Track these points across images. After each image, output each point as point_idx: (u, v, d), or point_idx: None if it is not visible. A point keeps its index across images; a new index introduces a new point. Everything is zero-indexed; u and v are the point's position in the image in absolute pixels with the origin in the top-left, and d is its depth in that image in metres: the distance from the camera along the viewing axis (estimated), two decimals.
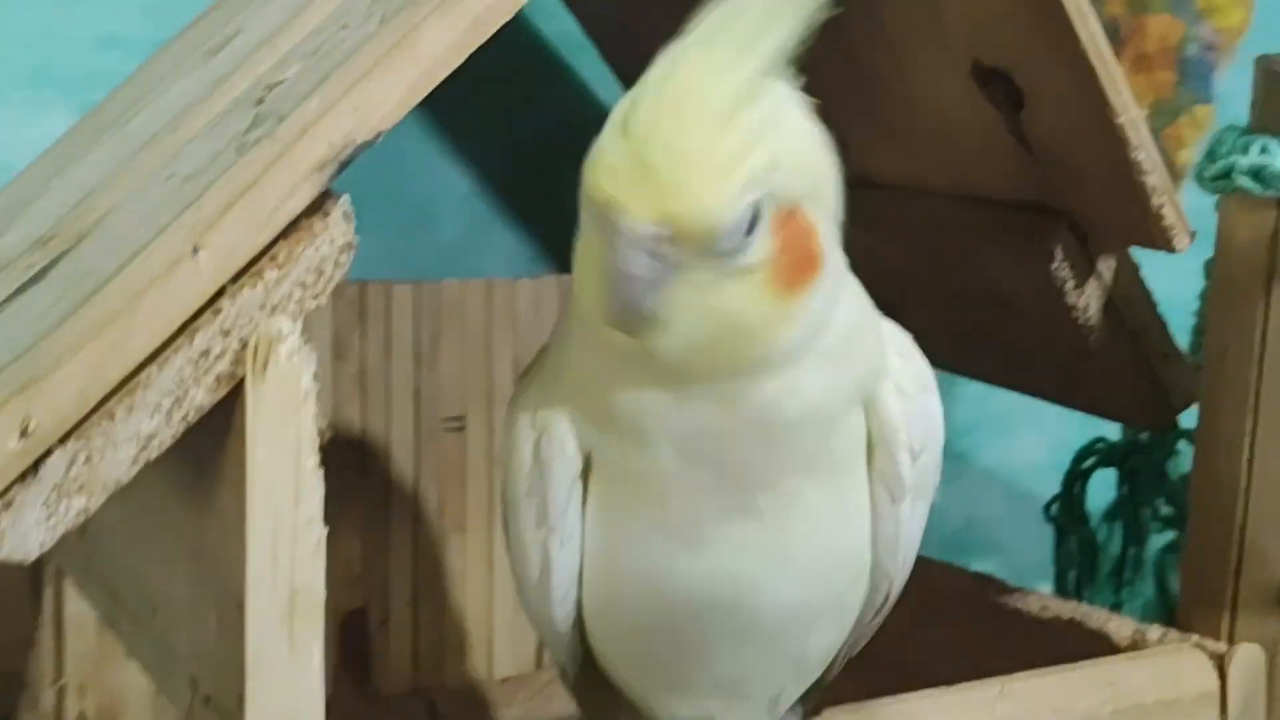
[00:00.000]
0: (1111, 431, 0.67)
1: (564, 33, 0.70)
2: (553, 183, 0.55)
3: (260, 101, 0.38)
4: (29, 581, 0.59)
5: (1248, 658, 0.48)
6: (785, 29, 0.33)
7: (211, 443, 0.35)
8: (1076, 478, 0.67)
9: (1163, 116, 0.88)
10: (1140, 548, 0.68)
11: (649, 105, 0.32)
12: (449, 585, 0.66)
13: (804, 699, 0.42)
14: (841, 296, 0.36)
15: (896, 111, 0.55)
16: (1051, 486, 0.70)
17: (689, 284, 0.33)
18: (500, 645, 0.69)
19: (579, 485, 0.37)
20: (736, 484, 0.36)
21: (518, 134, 0.70)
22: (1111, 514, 0.69)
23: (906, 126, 0.55)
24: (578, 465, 0.37)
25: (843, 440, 0.38)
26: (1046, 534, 0.69)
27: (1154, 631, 0.51)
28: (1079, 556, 0.68)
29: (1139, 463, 0.66)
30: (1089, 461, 0.67)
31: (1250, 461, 0.49)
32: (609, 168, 0.32)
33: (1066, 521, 0.68)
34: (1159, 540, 0.69)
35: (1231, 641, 0.49)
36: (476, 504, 0.66)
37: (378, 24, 0.37)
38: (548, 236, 0.73)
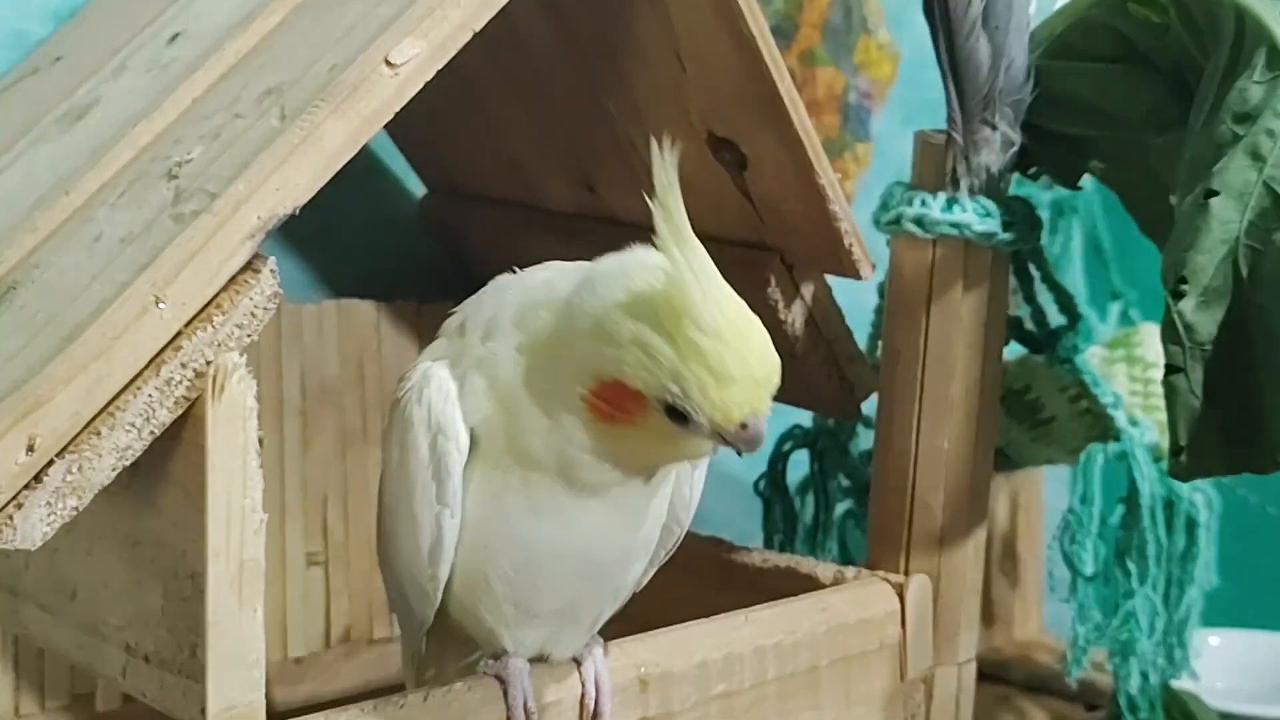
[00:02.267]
0: (805, 420, 0.81)
1: None
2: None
3: (174, 176, 0.47)
4: None
5: (919, 585, 0.63)
6: None
7: (153, 452, 0.44)
8: (779, 458, 0.81)
9: (830, 153, 1.04)
10: (829, 514, 0.83)
11: (733, 354, 0.44)
12: None
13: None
14: None
15: (642, 167, 0.67)
16: (751, 471, 0.84)
17: None
18: (293, 626, 0.78)
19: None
20: (604, 484, 0.48)
21: None
22: (804, 488, 0.84)
23: (649, 179, 0.68)
24: (466, 456, 0.48)
25: None
26: (752, 509, 0.83)
27: (850, 571, 0.65)
28: (782, 523, 0.81)
29: (827, 444, 0.81)
30: (788, 445, 0.81)
31: (917, 438, 0.64)
32: (739, 403, 0.45)
33: (772, 494, 0.81)
34: (841, 509, 0.85)
35: (907, 574, 0.64)
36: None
37: (279, 119, 0.46)
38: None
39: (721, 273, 0.68)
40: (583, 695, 0.52)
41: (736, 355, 0.44)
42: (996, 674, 1.03)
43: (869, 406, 0.73)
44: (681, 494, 0.52)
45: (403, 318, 0.81)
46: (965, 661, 0.66)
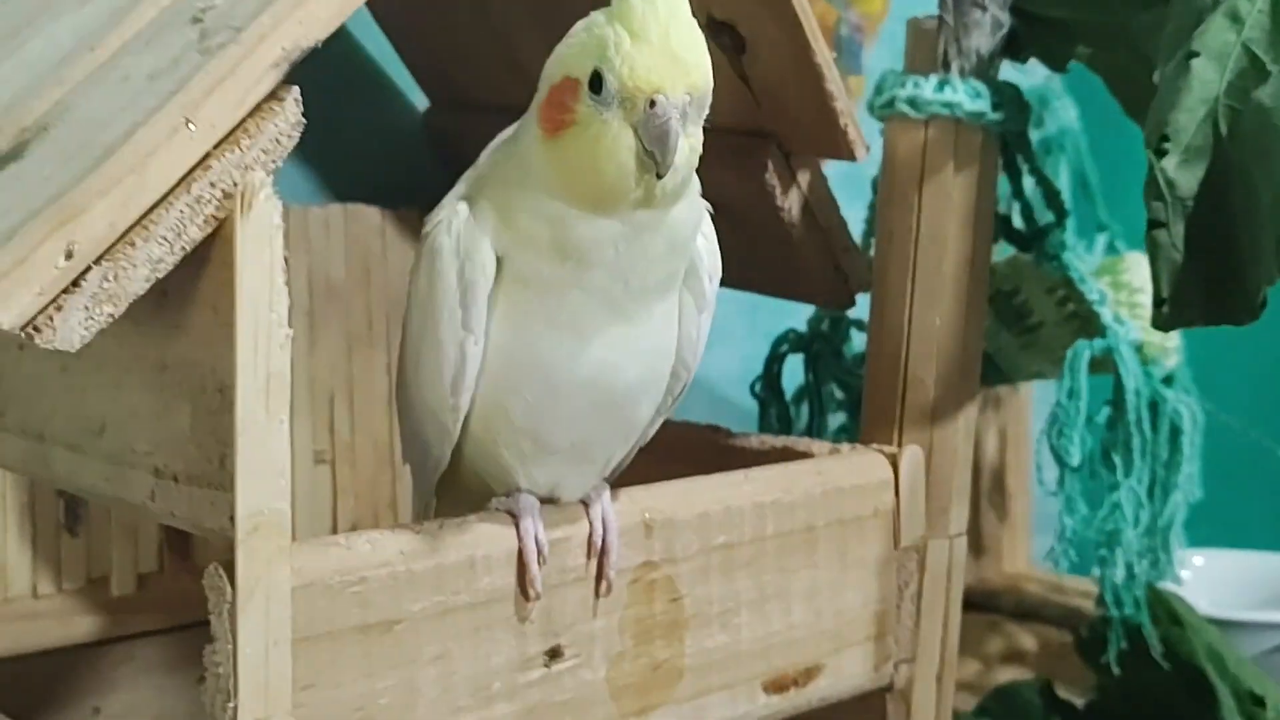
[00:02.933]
0: (800, 325, 0.83)
1: None
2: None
3: (198, 20, 0.49)
4: None
5: (912, 455, 0.65)
6: None
7: (181, 276, 0.46)
8: (774, 360, 0.83)
9: None
10: (823, 418, 0.85)
11: (658, 20, 0.47)
12: None
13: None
14: None
15: None
16: (742, 391, 0.86)
17: (687, 136, 0.48)
18: (300, 523, 0.79)
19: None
20: (626, 293, 0.50)
21: None
22: (798, 397, 0.86)
23: None
24: (492, 282, 0.50)
25: (686, 258, 0.53)
26: (749, 423, 0.85)
27: (844, 447, 0.67)
28: (778, 425, 0.84)
29: (821, 347, 0.83)
30: (783, 347, 0.83)
31: (910, 315, 0.67)
32: (646, 70, 0.47)
33: (768, 397, 0.84)
34: (835, 423, 0.87)
35: (900, 445, 0.66)
36: None
37: None
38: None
39: (718, 160, 0.70)
40: (590, 532, 0.54)
41: (660, 25, 0.47)
42: (986, 603, 1.05)
43: (862, 309, 0.75)
44: (688, 334, 0.54)
45: (407, 224, 0.83)
46: (956, 535, 0.68)
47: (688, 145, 0.49)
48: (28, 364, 0.55)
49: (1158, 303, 0.56)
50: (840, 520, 0.63)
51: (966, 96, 0.64)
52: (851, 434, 0.84)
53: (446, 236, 0.51)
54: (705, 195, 0.70)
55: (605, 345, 0.51)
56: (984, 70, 0.65)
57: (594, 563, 0.54)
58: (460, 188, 0.53)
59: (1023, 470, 1.18)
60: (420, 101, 0.87)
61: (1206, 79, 0.55)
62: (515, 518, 0.52)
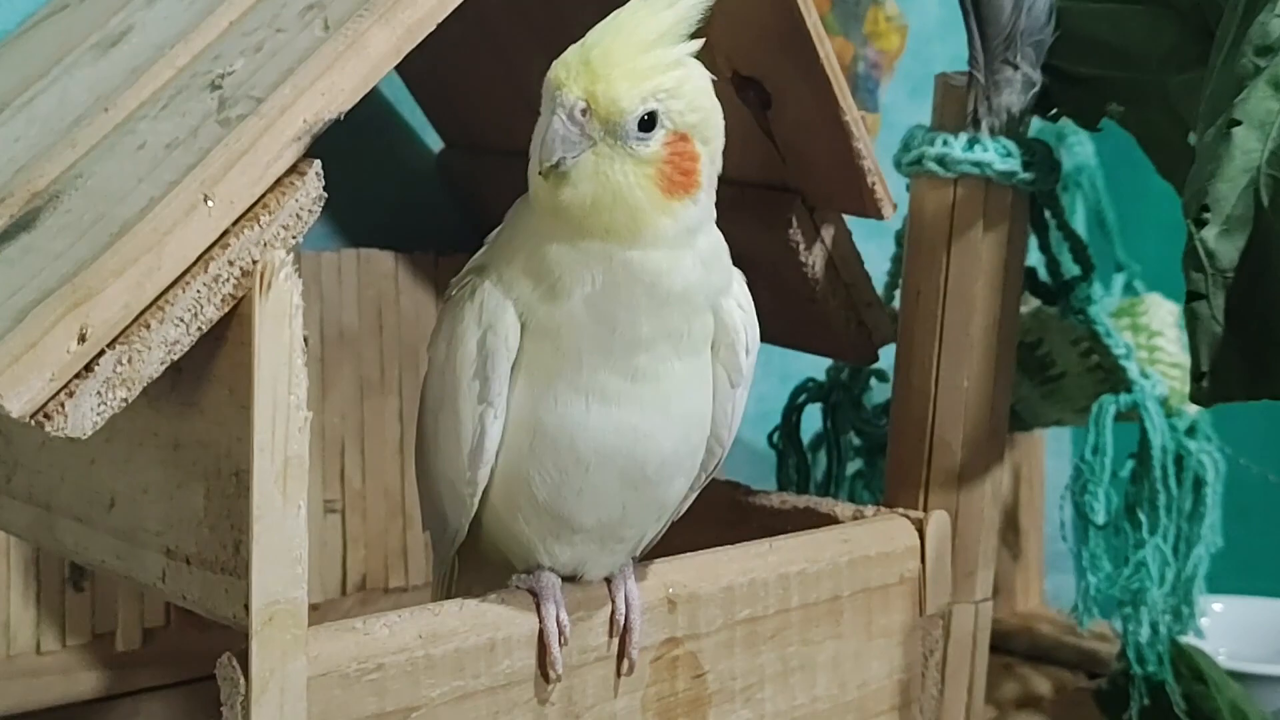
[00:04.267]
0: (819, 374, 0.82)
1: None
2: None
3: (217, 87, 0.48)
4: None
5: (938, 520, 0.64)
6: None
7: (197, 354, 0.45)
8: (793, 410, 0.82)
9: None
10: (841, 468, 0.84)
11: (601, 30, 0.46)
12: None
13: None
14: (709, 225, 0.50)
15: None
16: (757, 433, 0.85)
17: (596, 155, 0.47)
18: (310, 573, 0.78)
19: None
20: (627, 343, 0.49)
21: None
22: (816, 443, 0.85)
23: None
24: (514, 352, 0.49)
25: (700, 329, 0.51)
26: (765, 467, 0.84)
27: (869, 510, 0.66)
28: (796, 475, 0.83)
29: (841, 397, 0.82)
30: (802, 397, 0.82)
31: (937, 376, 0.65)
32: (562, 63, 0.46)
33: (786, 447, 0.82)
34: (852, 468, 0.85)
35: (926, 510, 0.65)
36: None
37: (323, 29, 0.47)
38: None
39: (743, 214, 0.69)
40: (613, 611, 0.52)
41: (599, 36, 0.47)
42: (999, 645, 1.04)
43: (883, 358, 0.74)
44: (723, 409, 0.53)
45: (421, 269, 0.82)
46: (982, 600, 0.66)
47: (595, 166, 0.47)
48: (36, 430, 0.53)
49: (1196, 376, 0.54)
50: (866, 589, 0.61)
51: (997, 156, 0.63)
52: (868, 480, 0.82)
53: (469, 304, 0.50)
54: (728, 249, 0.70)
55: (631, 409, 0.49)
56: (1014, 128, 0.64)
57: (616, 641, 0.52)
58: (484, 249, 0.52)
59: (1036, 508, 1.17)
60: (434, 142, 0.86)
61: (1248, 148, 0.53)
62: (536, 598, 0.51)
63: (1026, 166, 0.63)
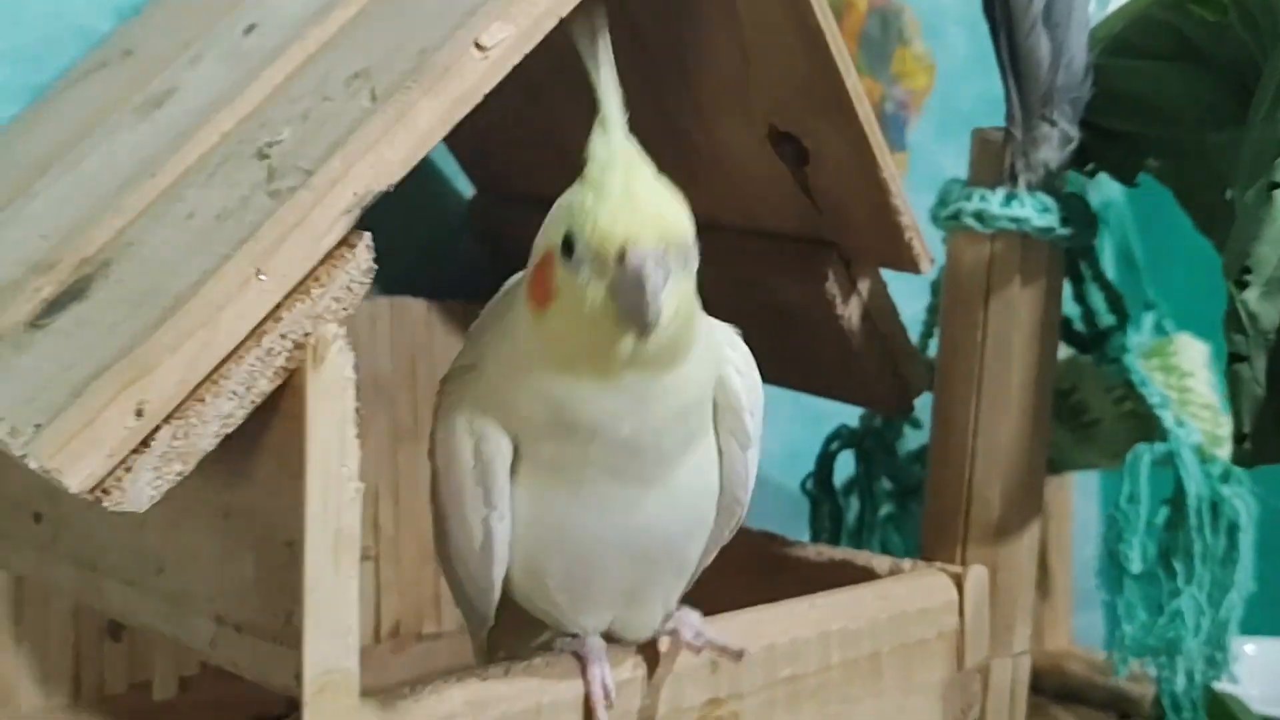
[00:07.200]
0: (851, 421, 0.82)
1: None
2: None
3: (265, 156, 0.48)
4: None
5: (977, 575, 0.64)
6: None
7: (248, 424, 0.45)
8: (826, 458, 0.82)
9: None
10: (874, 515, 0.84)
11: (617, 180, 0.45)
12: None
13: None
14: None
15: (701, 162, 0.68)
16: (787, 476, 0.85)
17: (671, 290, 0.45)
18: None
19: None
20: (642, 461, 0.48)
21: None
22: (848, 489, 0.85)
23: (708, 174, 0.69)
24: (510, 458, 0.48)
25: (705, 412, 0.51)
26: (794, 509, 0.84)
27: (906, 564, 0.66)
28: (829, 522, 0.83)
29: (874, 444, 0.82)
30: (835, 444, 0.82)
31: (975, 431, 0.65)
32: (610, 221, 0.44)
33: (819, 494, 0.83)
34: (884, 512, 0.85)
35: (964, 564, 0.65)
36: None
37: (370, 100, 0.47)
38: None
39: (778, 267, 0.70)
40: (652, 673, 0.52)
41: (620, 179, 0.45)
42: (1029, 684, 1.03)
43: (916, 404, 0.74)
44: (735, 472, 0.52)
45: (454, 316, 0.82)
46: (1020, 653, 0.66)
47: (673, 299, 0.45)
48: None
49: (1239, 438, 0.54)
50: (905, 644, 0.61)
51: (1035, 211, 0.63)
52: (899, 524, 0.82)
53: (459, 414, 0.49)
54: (765, 300, 0.70)
55: (636, 511, 0.49)
56: (1051, 183, 0.64)
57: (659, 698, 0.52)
58: (467, 350, 0.52)
59: (1064, 547, 1.16)
60: (465, 188, 0.86)
61: None
62: (582, 661, 0.51)
63: (1064, 222, 0.64)
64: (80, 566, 0.54)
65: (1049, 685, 1.07)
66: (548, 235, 0.47)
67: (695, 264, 0.47)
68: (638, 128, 0.48)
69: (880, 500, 0.83)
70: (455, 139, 0.84)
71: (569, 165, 0.76)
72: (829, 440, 0.81)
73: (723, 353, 0.52)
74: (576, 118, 0.73)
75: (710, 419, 0.51)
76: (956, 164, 0.69)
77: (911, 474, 0.81)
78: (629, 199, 0.45)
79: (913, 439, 0.82)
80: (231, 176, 0.49)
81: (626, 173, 0.46)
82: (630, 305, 0.44)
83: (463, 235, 0.86)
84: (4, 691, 0.68)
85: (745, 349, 0.53)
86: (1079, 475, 1.14)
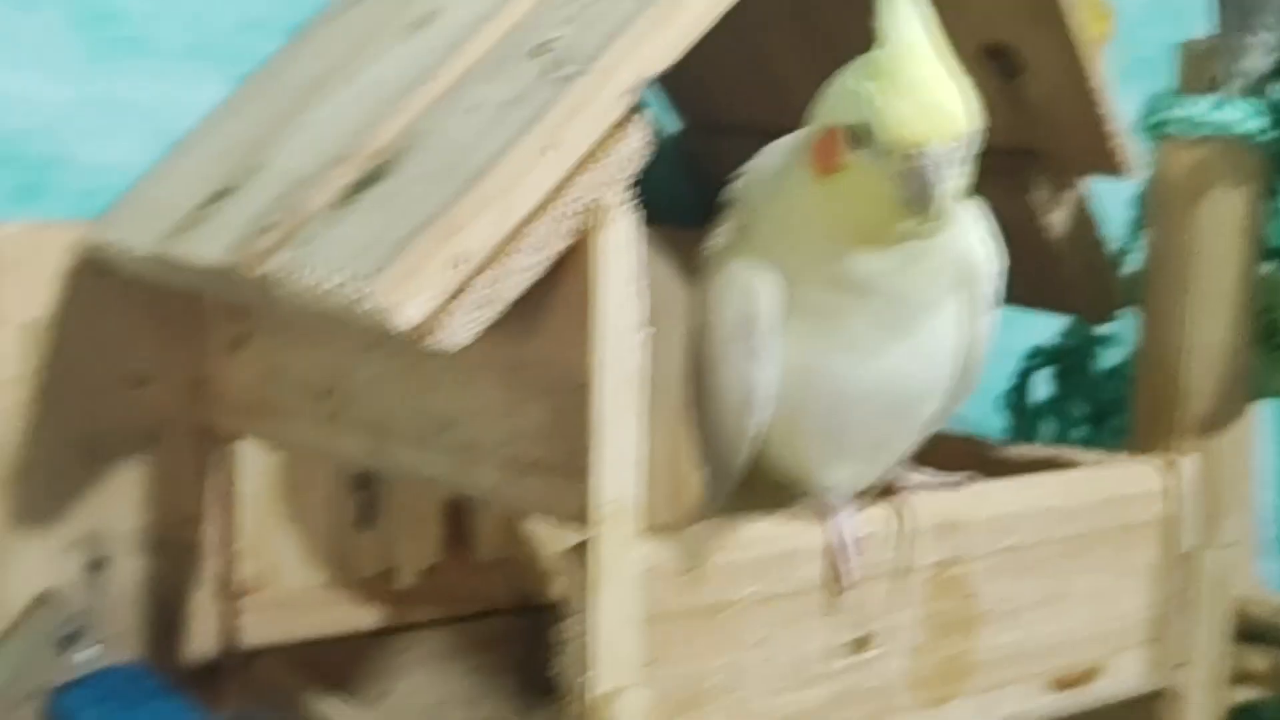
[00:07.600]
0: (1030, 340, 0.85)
1: None
2: None
3: (541, 54, 0.54)
4: (195, 466, 0.72)
5: (1190, 463, 0.66)
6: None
7: (540, 283, 0.50)
8: (1025, 374, 0.85)
9: None
10: (1067, 433, 0.86)
11: (913, 73, 0.49)
12: None
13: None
14: None
15: None
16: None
17: (951, 179, 0.50)
18: None
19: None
20: (897, 313, 0.53)
21: None
22: (1036, 411, 0.87)
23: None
24: (779, 311, 0.53)
25: (956, 274, 0.55)
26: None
27: (1114, 458, 0.69)
28: (1022, 440, 0.85)
29: (1070, 362, 0.85)
30: (1035, 360, 0.85)
31: (1185, 331, 0.67)
32: (903, 121, 0.49)
33: (1015, 413, 0.86)
34: (1078, 434, 0.88)
35: (1176, 455, 0.67)
36: None
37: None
38: None
39: (982, 179, 0.73)
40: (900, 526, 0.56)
41: (916, 77, 0.49)
42: None
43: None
44: (975, 335, 0.56)
45: (663, 241, 0.86)
46: (1231, 545, 0.69)
47: (951, 186, 0.50)
48: (370, 367, 0.60)
49: None
50: (1117, 527, 0.65)
51: (1244, 115, 0.66)
52: (1093, 446, 0.85)
53: (734, 267, 0.53)
54: None
55: (889, 359, 0.54)
56: (1258, 91, 0.66)
57: (900, 555, 0.56)
58: (733, 220, 0.56)
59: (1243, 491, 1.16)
60: (671, 123, 0.91)
61: None
62: (827, 515, 0.55)
63: (1275, 125, 0.66)
64: (368, 434, 0.60)
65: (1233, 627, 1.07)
66: (834, 113, 0.51)
67: (975, 149, 0.51)
68: (852, 53, 0.53)
69: (1075, 421, 0.85)
70: (666, 74, 0.88)
71: (780, 97, 0.80)
72: (1028, 356, 0.84)
73: (971, 221, 0.56)
74: (784, 48, 0.78)
75: (957, 281, 0.55)
76: (1138, 111, 0.71)
77: (1108, 392, 0.83)
78: (924, 99, 0.49)
79: (1105, 358, 0.85)
80: (510, 73, 0.54)
81: (920, 65, 0.49)
82: (916, 196, 0.49)
83: (671, 169, 0.90)
84: (272, 569, 0.75)
85: (986, 223, 0.57)
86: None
